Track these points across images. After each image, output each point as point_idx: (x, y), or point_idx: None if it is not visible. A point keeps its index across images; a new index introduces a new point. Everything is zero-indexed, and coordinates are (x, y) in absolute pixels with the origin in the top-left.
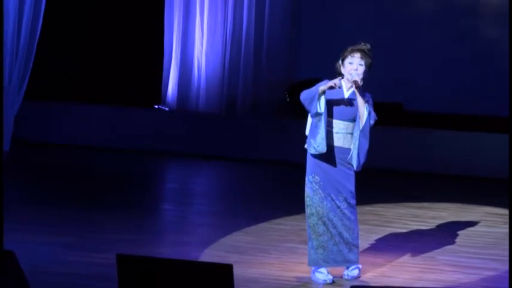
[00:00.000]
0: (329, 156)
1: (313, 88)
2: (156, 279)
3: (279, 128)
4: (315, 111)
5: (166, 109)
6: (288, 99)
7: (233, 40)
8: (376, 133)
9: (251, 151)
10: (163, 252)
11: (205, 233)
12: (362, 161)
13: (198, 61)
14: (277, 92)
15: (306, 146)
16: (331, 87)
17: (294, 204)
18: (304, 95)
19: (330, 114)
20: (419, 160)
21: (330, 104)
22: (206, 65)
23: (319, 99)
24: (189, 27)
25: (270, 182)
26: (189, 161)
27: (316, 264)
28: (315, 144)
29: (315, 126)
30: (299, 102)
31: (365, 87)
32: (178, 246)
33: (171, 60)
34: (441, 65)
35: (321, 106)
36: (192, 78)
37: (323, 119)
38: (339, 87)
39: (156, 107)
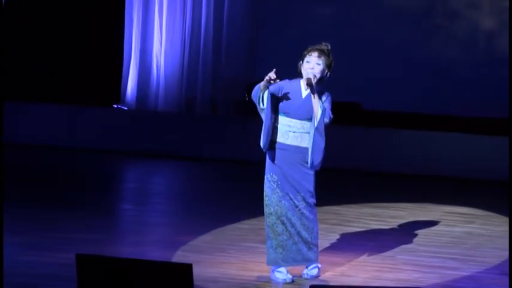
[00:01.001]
0: (287, 155)
1: (257, 85)
2: (115, 279)
3: (238, 127)
4: (259, 107)
5: (125, 108)
6: (247, 98)
7: (192, 39)
8: (334, 133)
9: (210, 150)
10: (122, 252)
11: (164, 233)
12: (317, 159)
13: (157, 60)
14: (236, 91)
15: None
16: (268, 82)
17: (253, 203)
18: (252, 94)
19: (287, 113)
20: (378, 160)
21: (288, 103)
22: (165, 65)
23: (262, 94)
24: (148, 26)
25: (229, 181)
26: (148, 161)
27: (275, 263)
28: (260, 140)
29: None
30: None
31: (324, 86)
32: (137, 245)
33: (130, 59)
34: (400, 65)
35: (264, 102)
36: (151, 78)
37: (266, 114)
38: (274, 80)
39: (115, 106)
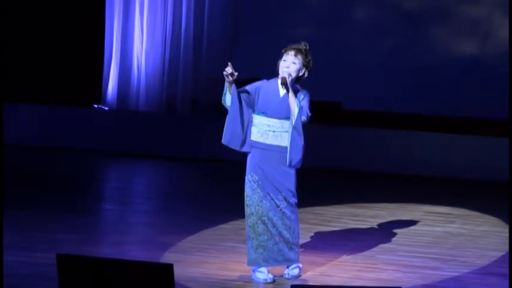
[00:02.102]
0: (267, 155)
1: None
2: (96, 279)
3: (219, 127)
4: (225, 106)
5: (106, 108)
6: None
7: (173, 39)
8: (314, 132)
9: (191, 150)
10: (103, 252)
11: (145, 233)
12: (296, 158)
13: (138, 60)
14: (217, 91)
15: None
16: (227, 77)
17: (234, 203)
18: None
19: (266, 112)
20: (358, 159)
21: (266, 103)
22: (146, 64)
23: (226, 92)
24: (128, 26)
25: (210, 181)
26: (129, 160)
27: (256, 264)
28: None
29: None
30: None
31: (303, 85)
32: (118, 245)
33: (111, 59)
34: (380, 65)
35: (227, 100)
36: (131, 78)
37: (231, 111)
38: (232, 75)
39: (96, 106)
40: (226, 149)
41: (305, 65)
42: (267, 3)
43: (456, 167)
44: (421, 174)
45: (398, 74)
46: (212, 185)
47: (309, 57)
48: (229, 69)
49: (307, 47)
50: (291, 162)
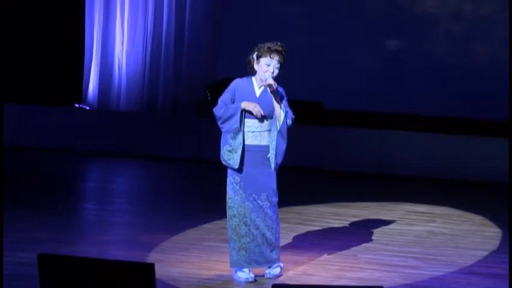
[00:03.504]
0: (248, 156)
1: (233, 106)
2: (77, 279)
3: (200, 127)
4: (235, 126)
5: (87, 108)
6: (209, 98)
7: (154, 39)
8: (296, 132)
9: (172, 150)
10: (84, 251)
11: (126, 232)
12: (279, 161)
13: (119, 60)
14: (198, 90)
15: None
16: (250, 112)
17: (214, 203)
18: (220, 112)
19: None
20: (340, 158)
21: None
22: (127, 64)
23: (241, 115)
24: (109, 26)
25: (191, 181)
26: (110, 160)
27: (237, 265)
28: (228, 158)
29: (229, 140)
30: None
31: (284, 85)
32: (99, 245)
33: (91, 59)
34: (362, 65)
35: (242, 122)
36: (112, 77)
37: (241, 135)
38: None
39: (77, 106)
40: (207, 149)
41: (282, 66)
42: (248, 4)
43: (436, 166)
44: (402, 173)
45: (381, 74)
46: (192, 185)
47: (285, 59)
48: (257, 111)
49: (286, 49)
50: (276, 165)
